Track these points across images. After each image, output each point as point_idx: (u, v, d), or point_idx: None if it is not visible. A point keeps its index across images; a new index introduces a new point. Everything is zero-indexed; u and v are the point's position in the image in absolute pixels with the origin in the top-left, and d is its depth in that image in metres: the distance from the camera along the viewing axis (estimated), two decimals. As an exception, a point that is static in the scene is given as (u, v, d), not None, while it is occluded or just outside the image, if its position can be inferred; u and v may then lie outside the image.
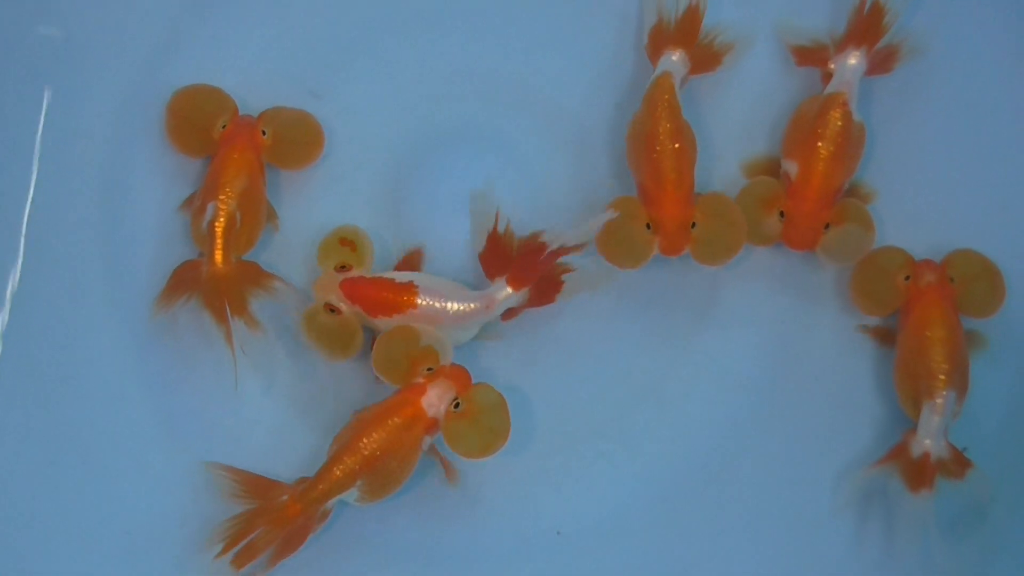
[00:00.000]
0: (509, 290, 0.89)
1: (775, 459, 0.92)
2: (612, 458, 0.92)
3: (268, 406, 0.92)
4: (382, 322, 0.89)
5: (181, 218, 0.94)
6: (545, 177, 0.95)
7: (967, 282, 0.91)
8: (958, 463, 0.89)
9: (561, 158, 0.95)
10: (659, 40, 0.95)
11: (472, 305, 0.88)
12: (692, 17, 0.94)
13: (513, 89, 0.96)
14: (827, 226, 0.91)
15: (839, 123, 0.91)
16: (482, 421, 0.87)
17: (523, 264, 0.89)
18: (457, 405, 0.87)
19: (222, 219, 0.90)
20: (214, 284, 0.90)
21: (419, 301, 0.88)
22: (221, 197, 0.90)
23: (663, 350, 0.93)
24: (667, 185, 0.90)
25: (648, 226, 0.90)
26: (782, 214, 0.92)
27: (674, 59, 0.94)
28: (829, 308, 0.94)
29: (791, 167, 0.92)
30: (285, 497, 0.87)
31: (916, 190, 0.95)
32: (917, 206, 0.95)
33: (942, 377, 0.88)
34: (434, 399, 0.87)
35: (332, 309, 0.89)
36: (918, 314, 0.90)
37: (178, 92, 0.94)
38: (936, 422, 0.88)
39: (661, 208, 0.90)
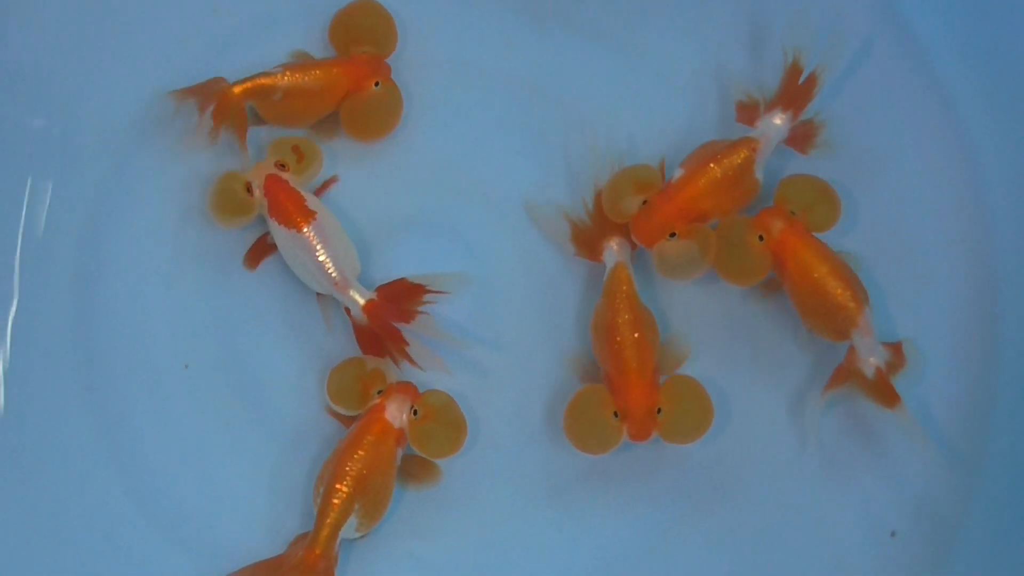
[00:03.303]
0: (360, 304, 0.93)
1: (714, 527, 0.94)
2: (560, 526, 0.94)
3: (237, 482, 0.94)
4: (272, 224, 0.94)
5: (153, 302, 0.96)
6: (495, 269, 0.98)
7: (807, 208, 0.94)
8: (896, 353, 0.92)
9: (515, 254, 0.98)
10: (587, 239, 0.96)
11: (333, 273, 0.93)
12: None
13: (472, 183, 0.99)
14: (673, 234, 0.93)
15: (738, 161, 0.94)
16: (442, 419, 0.92)
17: (391, 313, 0.93)
18: (416, 412, 0.91)
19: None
20: (229, 103, 0.96)
21: (304, 230, 0.93)
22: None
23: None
24: (631, 375, 0.91)
25: (616, 414, 0.91)
26: (645, 202, 0.94)
27: (616, 248, 0.95)
28: (767, 383, 0.96)
29: (678, 173, 0.94)
30: (300, 553, 0.89)
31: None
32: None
33: (851, 305, 0.91)
34: (395, 411, 0.91)
35: (248, 189, 0.95)
36: (793, 264, 0.92)
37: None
38: (869, 341, 0.91)
39: (627, 397, 0.91)
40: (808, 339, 0.96)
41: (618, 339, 0.92)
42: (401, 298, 0.93)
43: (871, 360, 0.92)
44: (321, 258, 0.93)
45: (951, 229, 0.99)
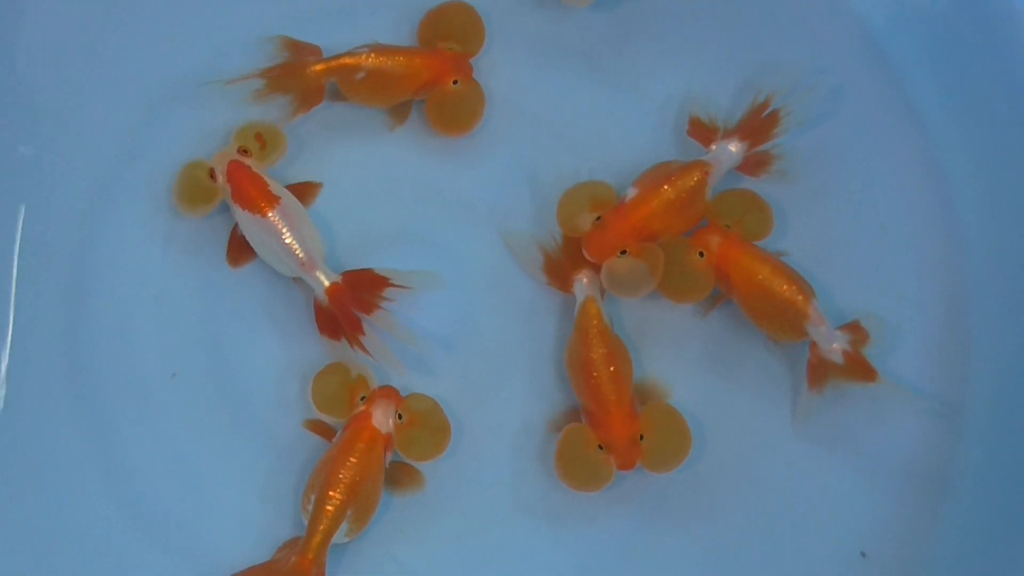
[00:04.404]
0: (324, 285, 0.94)
1: (692, 532, 0.95)
2: (541, 533, 0.95)
3: (225, 491, 0.95)
4: (236, 210, 0.96)
5: (141, 313, 0.97)
6: (479, 282, 0.99)
7: (740, 220, 0.96)
8: (856, 330, 0.95)
9: (500, 268, 0.99)
10: (558, 271, 0.98)
11: (300, 254, 0.94)
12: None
13: (453, 197, 1.00)
14: (623, 252, 0.95)
15: (691, 183, 0.96)
16: (427, 423, 0.93)
17: (351, 300, 0.94)
18: (400, 417, 0.93)
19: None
20: (314, 81, 0.99)
21: (269, 215, 0.95)
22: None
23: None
24: (610, 407, 0.92)
25: (600, 447, 0.92)
26: (598, 219, 0.96)
27: (585, 283, 0.97)
28: (735, 391, 0.98)
29: (631, 192, 0.96)
30: (293, 558, 0.90)
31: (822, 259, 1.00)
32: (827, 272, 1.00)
33: (799, 298, 0.93)
34: (381, 417, 0.93)
35: (212, 175, 0.96)
36: (735, 272, 0.95)
37: None
38: (825, 329, 0.94)
39: (609, 430, 0.92)
40: (778, 351, 0.98)
41: (595, 375, 0.93)
42: (365, 286, 0.95)
43: (834, 346, 0.94)
44: (287, 240, 0.95)
45: (923, 245, 1.01)
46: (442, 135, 1.01)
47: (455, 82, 1.00)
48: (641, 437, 0.93)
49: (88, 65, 1.02)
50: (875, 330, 0.95)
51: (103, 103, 1.01)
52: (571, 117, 1.03)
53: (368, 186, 1.01)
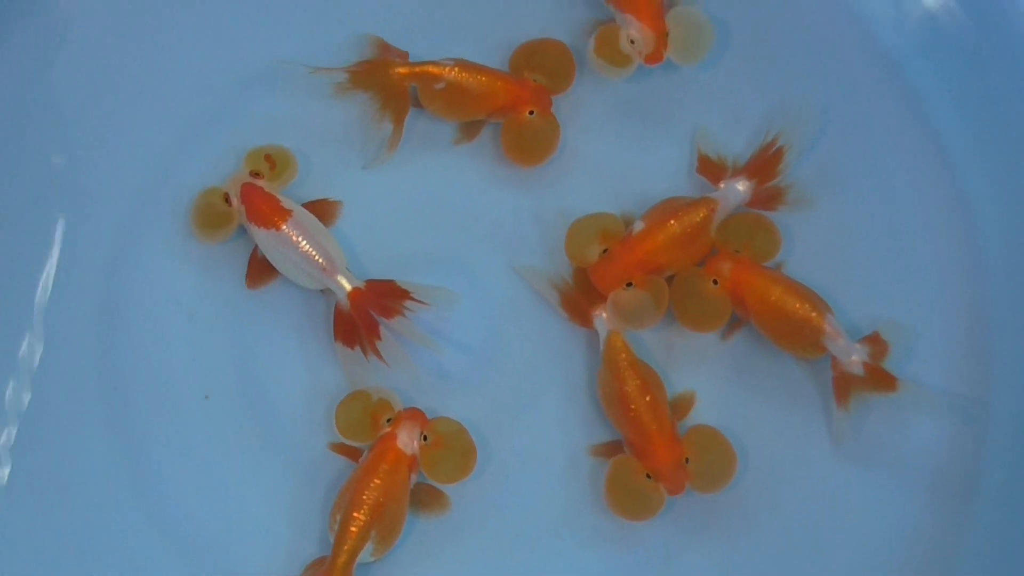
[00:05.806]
0: (347, 289, 0.96)
1: (718, 555, 0.96)
2: (566, 555, 0.95)
3: (254, 511, 0.96)
4: (253, 229, 0.97)
5: (174, 333, 0.98)
6: (509, 306, 1.00)
7: (748, 244, 0.98)
8: (875, 342, 0.96)
9: (530, 294, 1.00)
10: (576, 308, 0.99)
11: (320, 260, 0.96)
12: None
13: (483, 222, 1.02)
14: (629, 284, 0.96)
15: (698, 219, 0.97)
16: (452, 445, 0.94)
17: (374, 304, 0.95)
18: (425, 439, 0.94)
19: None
20: (397, 83, 1.01)
21: (283, 227, 0.96)
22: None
23: (607, 455, 0.98)
24: (652, 436, 0.93)
25: (648, 476, 0.93)
26: (605, 251, 0.97)
27: (606, 317, 0.97)
28: (765, 408, 0.98)
29: (639, 225, 0.98)
30: None
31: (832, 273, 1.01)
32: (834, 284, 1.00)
33: (813, 315, 0.95)
34: (406, 438, 0.94)
35: (227, 200, 0.98)
36: (750, 295, 0.96)
37: None
38: (842, 343, 0.95)
39: (654, 458, 0.93)
40: (804, 366, 0.99)
41: (632, 407, 0.94)
42: (386, 295, 0.96)
43: (853, 359, 0.95)
44: (305, 249, 0.96)
45: (946, 270, 1.02)
46: (513, 163, 1.01)
47: (531, 112, 1.01)
48: (687, 460, 0.94)
49: (124, 85, 1.03)
50: (896, 337, 0.96)
51: (139, 123, 1.02)
52: (615, 164, 1.03)
53: (401, 210, 1.02)
